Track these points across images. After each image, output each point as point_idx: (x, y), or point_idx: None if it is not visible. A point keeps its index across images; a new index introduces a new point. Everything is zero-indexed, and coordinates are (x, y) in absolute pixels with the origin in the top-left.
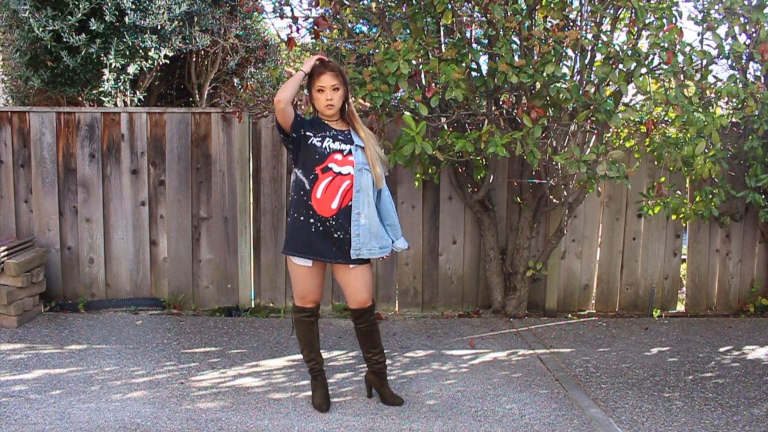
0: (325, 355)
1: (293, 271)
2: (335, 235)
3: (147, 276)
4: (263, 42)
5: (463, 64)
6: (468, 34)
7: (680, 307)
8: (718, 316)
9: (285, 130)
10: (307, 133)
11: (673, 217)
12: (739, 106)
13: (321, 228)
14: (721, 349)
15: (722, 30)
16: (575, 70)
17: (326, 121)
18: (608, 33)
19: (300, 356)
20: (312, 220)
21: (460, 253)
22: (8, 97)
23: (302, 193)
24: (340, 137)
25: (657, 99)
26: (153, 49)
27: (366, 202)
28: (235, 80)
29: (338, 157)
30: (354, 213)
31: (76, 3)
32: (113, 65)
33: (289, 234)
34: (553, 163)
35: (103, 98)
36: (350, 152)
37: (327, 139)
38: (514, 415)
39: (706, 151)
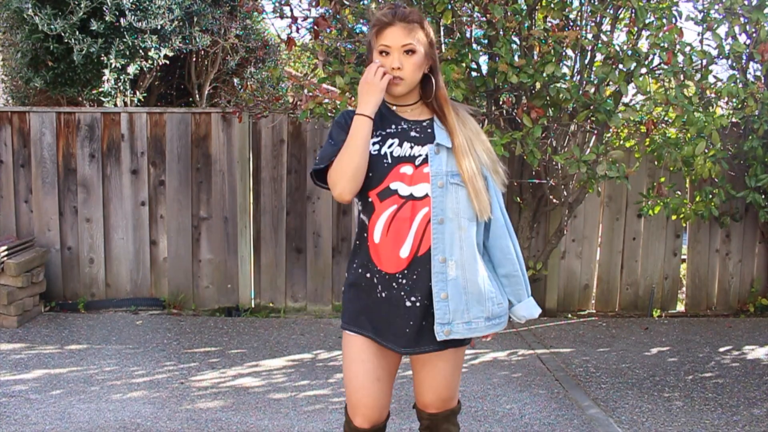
0: (325, 354)
1: (344, 350)
2: (407, 304)
3: (147, 276)
4: (263, 42)
5: (463, 64)
6: (468, 34)
7: (680, 307)
8: (718, 316)
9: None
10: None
11: (673, 217)
12: (739, 106)
13: (384, 293)
14: (721, 349)
15: (722, 30)
16: (575, 70)
17: (393, 107)
18: (608, 33)
19: (300, 355)
20: (375, 280)
21: None
22: (8, 97)
23: (361, 232)
24: (414, 133)
25: (657, 99)
26: (153, 49)
27: (456, 239)
28: (235, 80)
29: (408, 169)
30: (436, 260)
31: (77, 2)
32: (113, 65)
33: (345, 297)
34: (553, 163)
35: (103, 98)
36: (427, 159)
37: (390, 139)
38: (514, 415)
39: (706, 151)
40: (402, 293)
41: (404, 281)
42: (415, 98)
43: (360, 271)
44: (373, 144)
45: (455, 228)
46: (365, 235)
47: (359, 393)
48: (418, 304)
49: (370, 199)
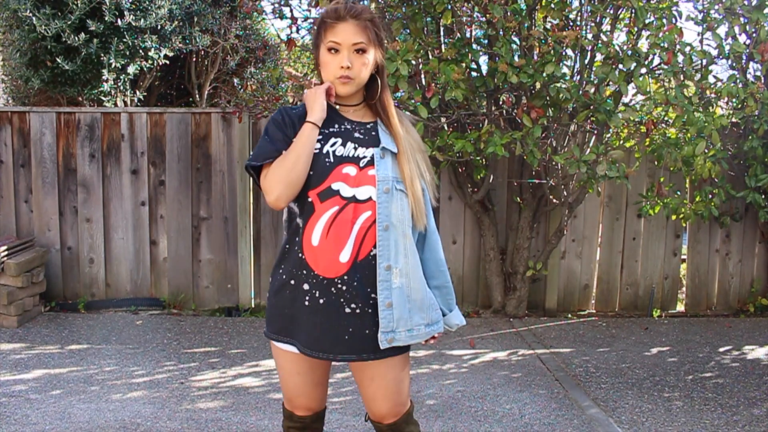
0: None
1: (275, 359)
2: (347, 310)
3: (147, 276)
4: (263, 42)
5: (463, 65)
6: (468, 34)
7: (680, 307)
8: (718, 316)
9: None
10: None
11: (673, 217)
12: (739, 106)
13: (321, 300)
14: (721, 349)
15: (722, 30)
16: (575, 70)
17: (338, 107)
18: (608, 33)
19: None
20: (306, 286)
21: (460, 253)
22: (8, 97)
23: (292, 236)
24: (358, 134)
25: (657, 99)
26: (153, 49)
27: (401, 247)
28: (235, 80)
29: (351, 170)
30: (381, 267)
31: (76, 2)
32: (113, 65)
33: (269, 304)
34: (553, 163)
35: (103, 98)
36: (372, 161)
37: (332, 138)
38: (514, 415)
39: (706, 151)
40: (341, 299)
41: (344, 287)
42: (360, 99)
43: (285, 277)
44: (317, 141)
45: (400, 235)
46: (298, 239)
47: (300, 398)
48: (358, 311)
49: (309, 200)
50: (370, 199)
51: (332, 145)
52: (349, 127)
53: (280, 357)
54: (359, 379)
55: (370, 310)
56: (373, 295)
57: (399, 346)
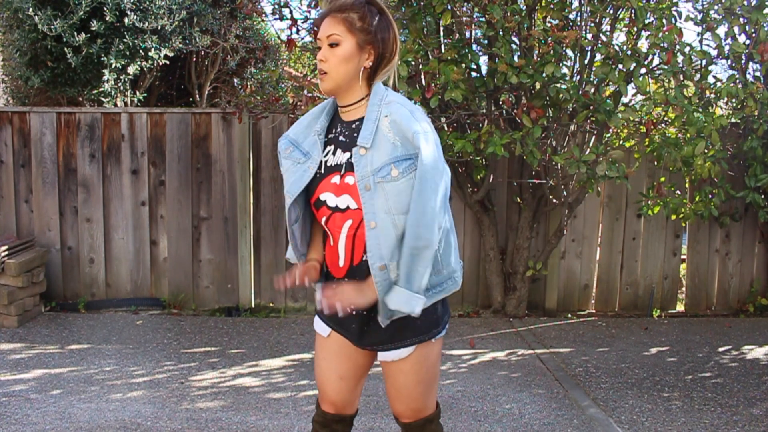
0: None
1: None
2: (348, 309)
3: (147, 276)
4: (263, 43)
5: (463, 65)
6: (467, 35)
7: (680, 307)
8: (718, 316)
9: None
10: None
11: (673, 217)
12: (739, 106)
13: None
14: (721, 349)
15: (722, 30)
16: (575, 70)
17: (340, 109)
18: (608, 33)
19: (300, 355)
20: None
21: (460, 253)
22: (9, 97)
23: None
24: (342, 137)
25: (657, 99)
26: (153, 50)
27: (393, 239)
28: (236, 80)
29: (336, 179)
30: (375, 269)
31: (77, 2)
32: (113, 65)
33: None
34: (553, 163)
35: (103, 98)
36: (350, 167)
37: (327, 146)
38: (514, 415)
39: (706, 151)
40: None
41: None
42: (358, 96)
43: (324, 270)
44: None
45: (390, 227)
46: (324, 240)
47: (325, 386)
48: (360, 311)
49: (310, 208)
50: (348, 208)
51: (325, 155)
52: (339, 130)
53: (316, 341)
54: (387, 380)
55: (364, 312)
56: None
57: (405, 345)
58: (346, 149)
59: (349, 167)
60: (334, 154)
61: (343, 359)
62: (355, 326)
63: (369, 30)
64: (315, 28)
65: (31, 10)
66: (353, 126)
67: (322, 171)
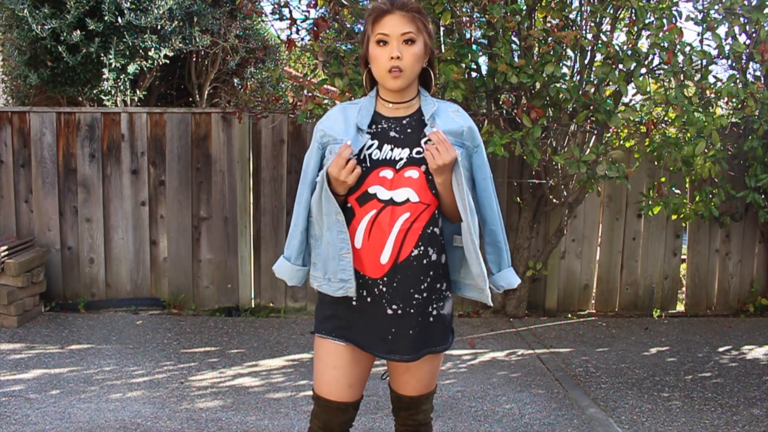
0: None
1: (316, 358)
2: (389, 312)
3: (147, 276)
4: (263, 43)
5: (463, 65)
6: (467, 35)
7: (680, 307)
8: (718, 316)
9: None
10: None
11: (673, 217)
12: (739, 106)
13: (368, 299)
14: (721, 349)
15: (722, 30)
16: (575, 70)
17: (384, 102)
18: (608, 33)
19: (300, 355)
20: (356, 284)
21: None
22: (8, 97)
23: None
24: (393, 133)
25: (657, 99)
26: (153, 49)
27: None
28: (235, 80)
29: (387, 173)
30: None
31: (74, 1)
32: (113, 65)
33: (318, 303)
34: (553, 163)
35: (103, 98)
36: (409, 162)
37: (370, 141)
38: (514, 415)
39: (706, 151)
40: (383, 300)
41: (384, 288)
42: (413, 94)
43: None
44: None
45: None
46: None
47: (326, 378)
48: (399, 312)
49: (349, 205)
50: (407, 201)
51: (369, 149)
52: (385, 126)
53: (323, 349)
54: (394, 366)
55: (412, 311)
56: (416, 296)
57: (435, 347)
58: (401, 146)
59: (412, 162)
60: (380, 148)
61: (354, 366)
62: (391, 338)
63: (429, 33)
64: (372, 22)
65: (26, 10)
66: (404, 122)
67: (368, 164)
